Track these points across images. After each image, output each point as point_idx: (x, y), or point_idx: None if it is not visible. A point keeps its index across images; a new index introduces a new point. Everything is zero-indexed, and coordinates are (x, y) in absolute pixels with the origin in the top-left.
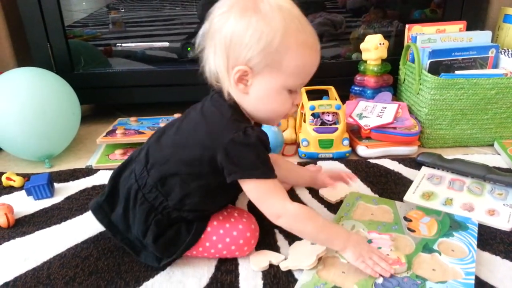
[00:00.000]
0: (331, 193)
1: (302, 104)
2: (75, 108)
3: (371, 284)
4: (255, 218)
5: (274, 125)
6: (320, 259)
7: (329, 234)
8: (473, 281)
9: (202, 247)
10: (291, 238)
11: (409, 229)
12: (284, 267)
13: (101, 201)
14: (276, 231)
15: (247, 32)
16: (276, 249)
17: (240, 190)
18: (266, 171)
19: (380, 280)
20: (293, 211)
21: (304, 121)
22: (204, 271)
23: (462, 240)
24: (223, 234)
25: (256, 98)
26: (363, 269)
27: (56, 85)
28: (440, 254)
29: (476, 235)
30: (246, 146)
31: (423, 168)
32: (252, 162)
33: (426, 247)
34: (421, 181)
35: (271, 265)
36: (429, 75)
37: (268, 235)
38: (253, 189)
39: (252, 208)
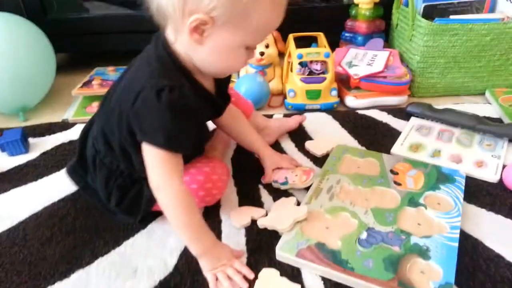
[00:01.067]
0: (317, 146)
1: (289, 53)
2: (49, 57)
3: (355, 239)
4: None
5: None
6: (297, 223)
7: (192, 235)
8: (458, 235)
9: None
10: (276, 193)
11: (395, 182)
12: (261, 224)
13: (73, 164)
14: (260, 186)
15: None
16: (259, 204)
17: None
18: (165, 141)
19: (364, 236)
20: (175, 191)
21: (291, 71)
22: None
23: (449, 193)
24: (187, 181)
25: (210, 51)
26: (209, 281)
27: (28, 31)
28: (425, 208)
29: (463, 188)
30: (152, 108)
31: (412, 118)
32: (153, 126)
33: (412, 201)
34: (410, 132)
35: (254, 221)
36: (423, 20)
37: (251, 190)
38: (148, 153)
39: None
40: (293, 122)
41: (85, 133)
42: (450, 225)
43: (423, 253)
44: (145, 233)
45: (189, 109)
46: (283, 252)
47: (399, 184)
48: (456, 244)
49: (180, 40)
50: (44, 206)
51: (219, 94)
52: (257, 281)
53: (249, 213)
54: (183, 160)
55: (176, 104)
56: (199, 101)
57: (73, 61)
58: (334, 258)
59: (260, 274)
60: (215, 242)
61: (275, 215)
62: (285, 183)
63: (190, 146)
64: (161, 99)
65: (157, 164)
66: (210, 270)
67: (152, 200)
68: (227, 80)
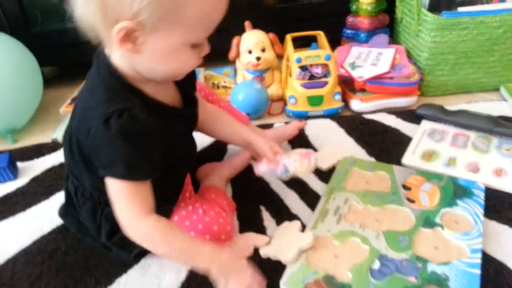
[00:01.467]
0: (321, 159)
1: (288, 56)
2: (35, 73)
3: (366, 270)
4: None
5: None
6: (303, 252)
7: (189, 255)
8: (479, 260)
9: None
10: (279, 216)
11: (408, 199)
12: (263, 254)
13: (64, 206)
14: (262, 208)
15: None
16: (262, 229)
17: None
18: (125, 171)
19: (376, 266)
20: (145, 229)
21: (290, 75)
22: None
23: (467, 210)
24: (188, 226)
25: (150, 59)
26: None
27: (11, 49)
28: (443, 228)
29: (483, 202)
30: (104, 139)
31: (423, 122)
32: (110, 158)
33: (428, 221)
34: (421, 138)
35: (255, 250)
36: (429, 14)
37: (253, 213)
38: (111, 188)
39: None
40: (291, 129)
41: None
42: (470, 248)
43: (442, 283)
44: (138, 269)
45: (144, 130)
46: None
47: (412, 202)
48: (478, 271)
49: (115, 53)
50: (33, 240)
51: (186, 101)
52: None
53: (252, 241)
54: (178, 183)
55: (127, 129)
56: (156, 119)
57: (63, 73)
58: None
59: None
60: (221, 251)
61: (278, 243)
62: (286, 171)
63: (155, 171)
64: (110, 127)
65: (122, 198)
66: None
67: None
68: (189, 81)
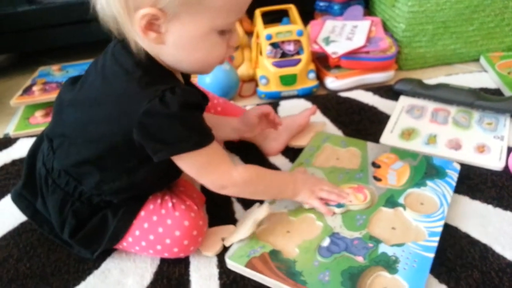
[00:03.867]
0: (298, 137)
1: (257, 33)
2: None
3: (314, 247)
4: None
5: (207, 73)
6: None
7: (278, 186)
8: (436, 244)
9: (132, 237)
10: (250, 206)
11: (375, 177)
12: (228, 243)
13: (19, 189)
14: (233, 199)
15: None
16: (233, 223)
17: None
18: (199, 140)
19: (326, 243)
20: (240, 178)
21: (261, 54)
22: (147, 265)
23: (435, 191)
24: (156, 221)
25: (176, 48)
26: (318, 207)
27: None
28: (404, 208)
29: (454, 184)
30: (167, 117)
31: (402, 98)
32: (179, 134)
33: (390, 200)
34: (400, 115)
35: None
36: None
37: (223, 206)
38: (188, 164)
39: None
40: (302, 118)
41: (34, 151)
42: (429, 231)
43: (390, 265)
44: (98, 275)
45: (198, 99)
46: (232, 261)
47: (379, 180)
48: (432, 255)
49: (141, 44)
50: None
51: None
52: None
53: (219, 234)
54: (148, 190)
55: (184, 101)
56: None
57: (16, 60)
58: (287, 269)
59: None
60: (292, 174)
61: (239, 226)
62: (340, 205)
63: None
64: (168, 104)
65: (206, 166)
66: (310, 197)
67: (117, 236)
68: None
